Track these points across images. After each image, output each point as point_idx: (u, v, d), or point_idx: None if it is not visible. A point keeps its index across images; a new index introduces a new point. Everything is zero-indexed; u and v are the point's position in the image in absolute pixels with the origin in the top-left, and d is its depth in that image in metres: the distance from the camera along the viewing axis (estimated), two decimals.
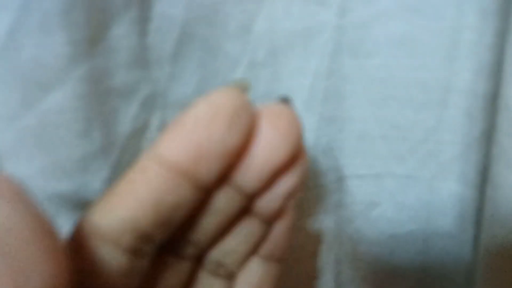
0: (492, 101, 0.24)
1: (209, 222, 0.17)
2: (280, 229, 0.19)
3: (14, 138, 0.19)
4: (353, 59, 0.25)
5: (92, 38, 0.19)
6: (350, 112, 0.25)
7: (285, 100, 0.18)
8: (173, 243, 0.17)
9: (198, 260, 0.19)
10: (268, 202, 0.18)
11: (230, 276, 0.19)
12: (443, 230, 0.27)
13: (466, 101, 0.24)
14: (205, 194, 0.16)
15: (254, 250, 0.19)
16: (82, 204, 0.21)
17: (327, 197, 0.26)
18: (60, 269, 0.12)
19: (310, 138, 0.25)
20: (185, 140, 0.15)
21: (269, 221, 0.19)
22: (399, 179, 0.26)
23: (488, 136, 0.24)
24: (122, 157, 0.22)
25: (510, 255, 0.23)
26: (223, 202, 0.17)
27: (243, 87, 0.17)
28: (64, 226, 0.20)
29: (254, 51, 0.23)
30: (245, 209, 0.18)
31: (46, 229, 0.12)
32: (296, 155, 0.17)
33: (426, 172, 0.26)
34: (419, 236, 0.27)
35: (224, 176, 0.16)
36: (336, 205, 0.27)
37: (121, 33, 0.20)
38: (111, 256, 0.15)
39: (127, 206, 0.15)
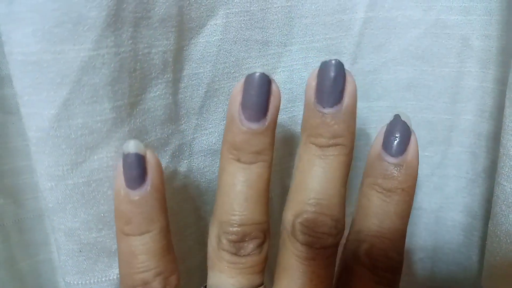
0: (494, 140, 0.26)
1: None
2: None
3: (63, 195, 0.20)
4: (364, 102, 0.26)
5: (132, 102, 0.21)
6: (361, 151, 0.27)
7: None
8: None
9: None
10: None
11: None
12: (448, 258, 0.28)
13: (469, 139, 0.27)
14: None
15: None
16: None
17: None
18: None
19: None
20: None
21: None
22: None
23: (490, 172, 0.26)
24: None
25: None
26: None
27: None
28: (103, 270, 0.22)
29: None
30: None
31: None
32: None
33: (433, 204, 0.28)
34: (427, 263, 0.29)
35: None
36: None
37: (157, 94, 0.22)
38: None
39: None
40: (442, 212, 0.28)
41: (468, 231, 0.28)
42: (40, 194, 0.21)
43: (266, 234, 0.21)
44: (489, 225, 0.25)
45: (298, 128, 0.26)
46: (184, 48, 0.22)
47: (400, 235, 0.21)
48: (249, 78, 0.20)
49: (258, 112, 0.20)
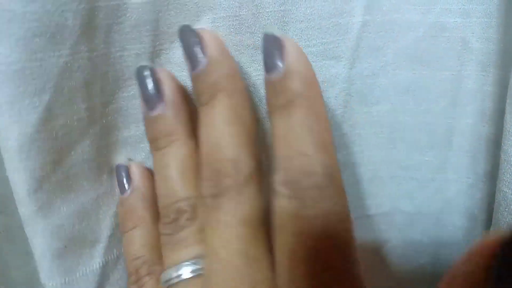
0: (495, 144, 0.25)
1: None
2: None
3: (47, 194, 0.21)
4: (363, 106, 0.26)
5: (104, 102, 0.22)
6: (360, 156, 0.27)
7: None
8: None
9: None
10: None
11: None
12: (450, 262, 0.28)
13: (469, 143, 0.26)
14: None
15: None
16: (96, 239, 0.23)
17: None
18: None
19: None
20: None
21: None
22: (408, 216, 0.28)
23: (491, 177, 0.26)
24: None
25: None
26: None
27: None
28: (86, 262, 0.23)
29: None
30: None
31: None
32: None
33: (433, 208, 0.28)
34: (428, 268, 0.28)
35: None
36: None
37: (131, 94, 0.23)
38: None
39: None
40: (442, 217, 0.28)
41: (469, 236, 0.28)
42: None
43: (195, 207, 0.21)
44: (490, 232, 0.25)
45: None
46: (164, 52, 0.23)
47: (319, 144, 0.18)
48: (134, 73, 0.22)
49: (152, 100, 0.21)
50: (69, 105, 0.21)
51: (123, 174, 0.23)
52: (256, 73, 0.24)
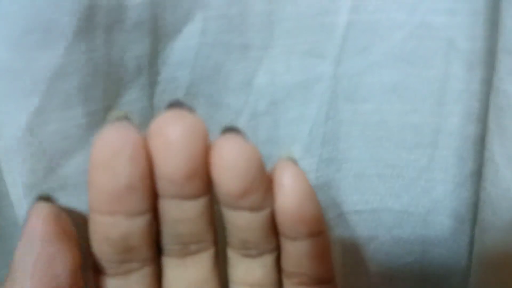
0: (481, 143, 0.25)
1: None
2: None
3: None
4: (348, 104, 0.26)
5: (106, 107, 0.21)
6: (347, 153, 0.27)
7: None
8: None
9: None
10: None
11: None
12: (437, 262, 0.28)
13: (456, 143, 0.26)
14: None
15: None
16: None
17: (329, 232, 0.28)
18: None
19: (310, 179, 0.27)
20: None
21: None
22: (395, 214, 0.28)
23: (478, 176, 0.26)
24: None
25: None
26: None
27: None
28: None
29: (255, 102, 0.25)
30: None
31: None
32: None
33: (420, 208, 0.28)
34: (415, 267, 0.28)
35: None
36: (337, 240, 0.28)
37: (132, 98, 0.22)
38: None
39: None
40: (430, 216, 0.28)
41: (456, 236, 0.28)
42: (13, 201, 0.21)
43: None
44: (475, 231, 0.25)
45: (280, 131, 0.26)
46: (160, 52, 0.22)
47: None
48: None
49: None
50: (64, 109, 0.19)
51: None
52: (244, 71, 0.24)
